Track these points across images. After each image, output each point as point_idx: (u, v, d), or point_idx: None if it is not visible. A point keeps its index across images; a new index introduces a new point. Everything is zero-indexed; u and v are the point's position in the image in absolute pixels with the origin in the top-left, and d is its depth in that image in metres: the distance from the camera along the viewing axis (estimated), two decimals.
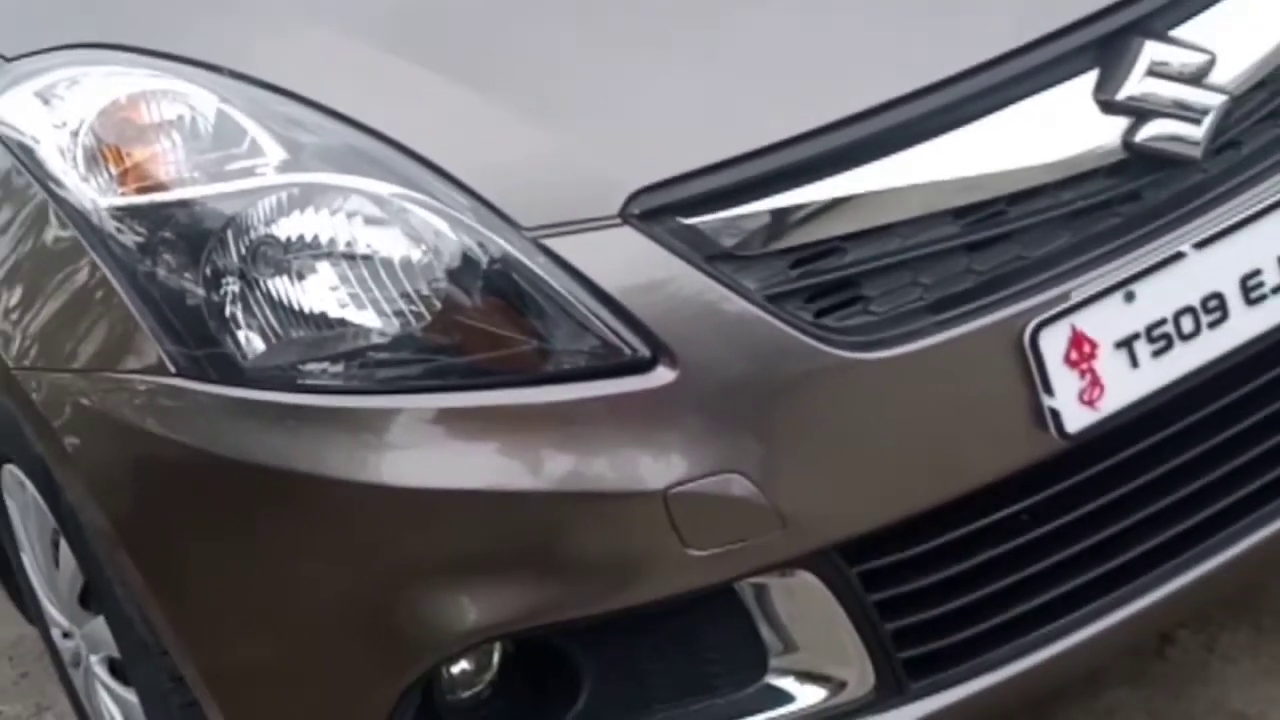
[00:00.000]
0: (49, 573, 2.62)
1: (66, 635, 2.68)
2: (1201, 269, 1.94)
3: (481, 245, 1.85)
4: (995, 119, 1.92)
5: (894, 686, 1.95)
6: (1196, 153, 1.94)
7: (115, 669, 2.52)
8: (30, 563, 2.69)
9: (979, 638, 1.97)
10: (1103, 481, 1.98)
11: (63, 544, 2.43)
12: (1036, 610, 1.99)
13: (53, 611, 2.69)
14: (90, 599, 2.48)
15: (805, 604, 1.92)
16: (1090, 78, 1.94)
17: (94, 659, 2.59)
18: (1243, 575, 2.15)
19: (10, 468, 2.49)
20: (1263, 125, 2.03)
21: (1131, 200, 1.95)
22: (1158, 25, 1.96)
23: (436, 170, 1.89)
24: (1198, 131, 1.93)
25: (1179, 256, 1.92)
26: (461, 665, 2.00)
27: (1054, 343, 1.87)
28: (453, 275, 1.86)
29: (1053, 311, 1.87)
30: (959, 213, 1.90)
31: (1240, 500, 2.06)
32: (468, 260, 1.86)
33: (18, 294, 2.16)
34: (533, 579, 1.89)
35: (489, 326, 1.87)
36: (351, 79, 2.00)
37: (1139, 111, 1.93)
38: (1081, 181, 1.93)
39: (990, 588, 1.96)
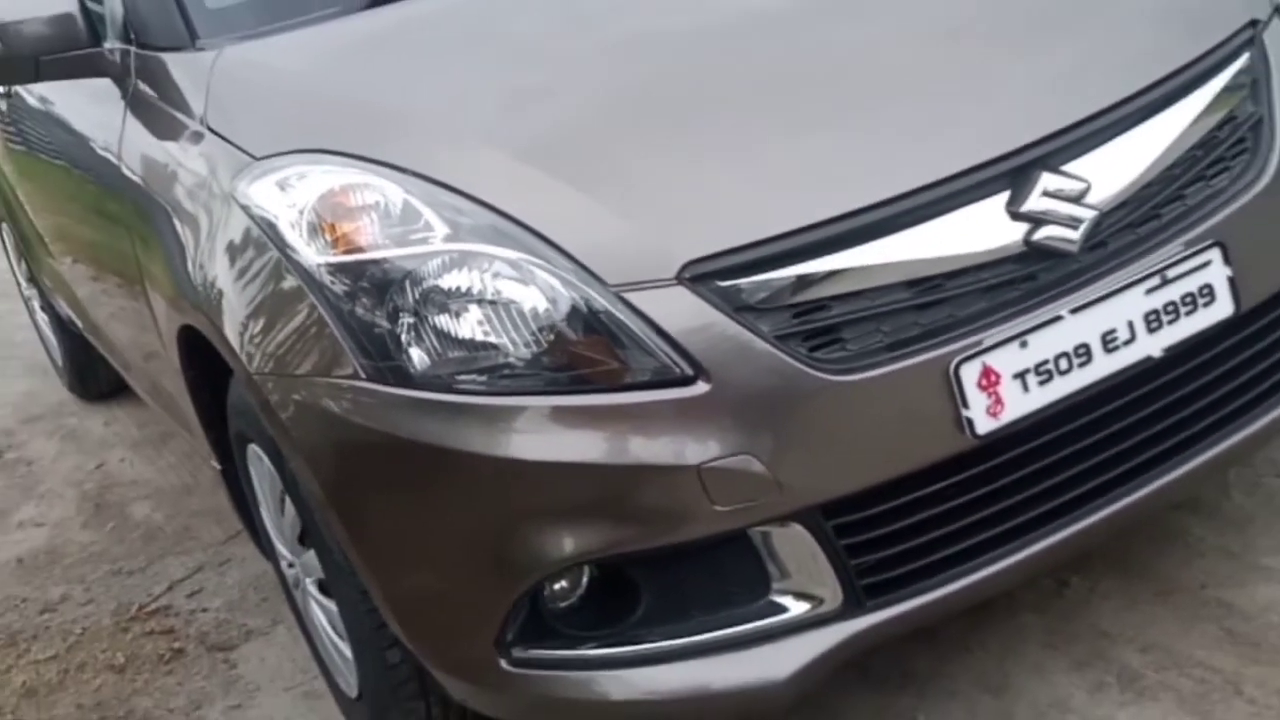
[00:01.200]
0: (277, 521, 2.75)
1: (290, 565, 2.80)
2: (1075, 327, 2.13)
3: (584, 298, 2.02)
4: (941, 220, 2.09)
5: (856, 603, 2.11)
6: (1074, 249, 2.12)
7: (322, 587, 2.65)
8: (266, 514, 2.82)
9: (915, 572, 2.14)
10: (1004, 466, 2.14)
11: (287, 500, 2.57)
12: (956, 554, 2.15)
13: (280, 548, 2.82)
14: (305, 538, 2.59)
15: (795, 545, 2.08)
16: (1005, 196, 2.12)
17: (308, 581, 2.73)
18: (1104, 534, 2.25)
19: (253, 446, 2.61)
20: (1124, 232, 2.19)
21: (1029, 280, 2.13)
22: (1053, 162, 2.14)
23: (551, 244, 2.04)
24: (1075, 235, 2.12)
25: (1059, 318, 2.12)
26: (561, 584, 2.15)
27: (970, 373, 2.07)
28: (564, 318, 2.03)
29: (970, 352, 2.06)
30: (911, 284, 2.07)
31: (1103, 482, 2.22)
32: (574, 308, 2.02)
33: (261, 323, 2.28)
34: (609, 523, 2.05)
35: (587, 352, 2.03)
36: (494, 179, 2.13)
37: (1036, 220, 2.11)
38: (995, 266, 2.11)
39: (923, 538, 2.13)
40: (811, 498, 2.07)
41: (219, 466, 2.96)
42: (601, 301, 2.04)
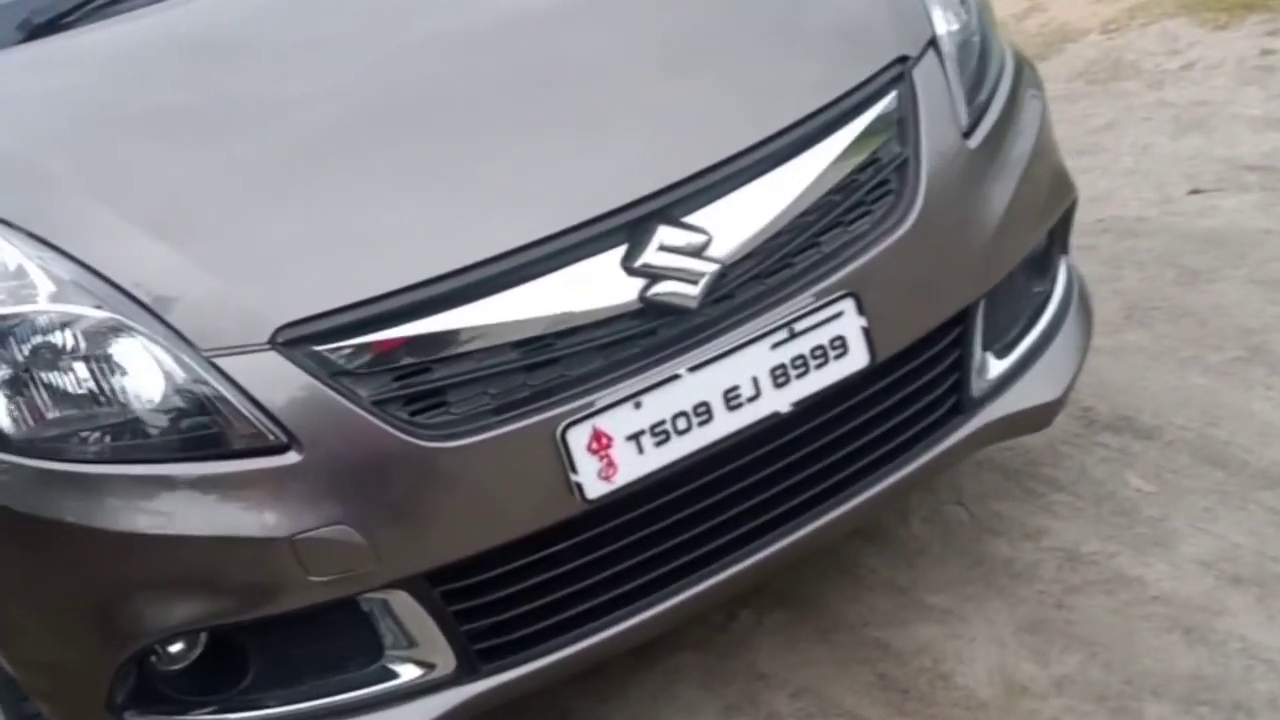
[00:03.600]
0: None
1: None
2: (694, 385, 1.98)
3: (178, 361, 1.88)
4: (551, 277, 1.94)
5: (470, 668, 2.00)
6: (693, 304, 1.97)
7: None
8: None
9: (533, 635, 2.02)
10: (623, 527, 2.01)
11: None
12: (576, 616, 2.03)
13: None
14: None
15: (404, 612, 1.96)
16: (621, 250, 1.96)
17: None
18: (742, 586, 2.14)
19: None
20: (751, 283, 2.03)
21: (648, 336, 1.97)
22: (674, 213, 1.98)
23: (144, 307, 1.91)
24: (694, 290, 1.97)
25: (677, 376, 1.96)
26: (177, 646, 2.01)
27: (579, 437, 1.92)
28: (156, 382, 1.89)
29: (579, 415, 1.92)
30: (519, 344, 1.92)
31: (737, 536, 2.09)
32: (166, 372, 1.89)
33: None
34: (203, 594, 1.93)
35: (183, 417, 1.89)
36: (99, 238, 1.98)
37: (652, 275, 1.96)
38: (611, 323, 1.96)
39: (540, 601, 2.01)
40: (415, 566, 1.95)
41: None
42: (194, 366, 1.90)
